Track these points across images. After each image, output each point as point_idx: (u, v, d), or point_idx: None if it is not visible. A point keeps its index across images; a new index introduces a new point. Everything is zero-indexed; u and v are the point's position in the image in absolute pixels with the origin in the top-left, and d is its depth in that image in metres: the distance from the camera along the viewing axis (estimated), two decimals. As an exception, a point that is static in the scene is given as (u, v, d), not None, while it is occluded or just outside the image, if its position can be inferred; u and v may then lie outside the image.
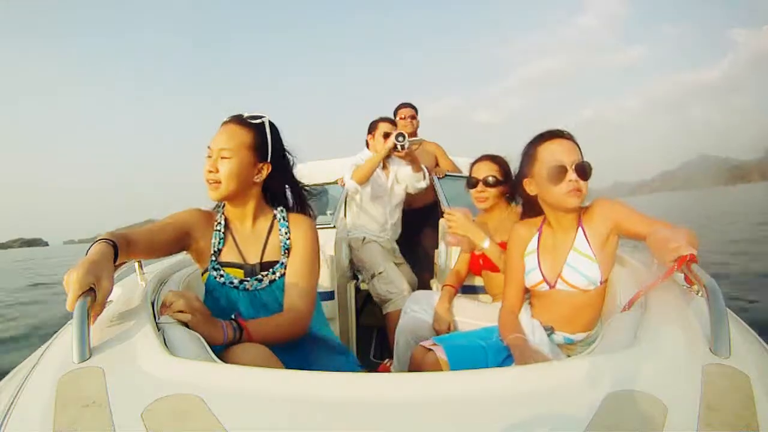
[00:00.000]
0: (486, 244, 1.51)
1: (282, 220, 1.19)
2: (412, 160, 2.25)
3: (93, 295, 0.78)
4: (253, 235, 1.17)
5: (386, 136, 2.28)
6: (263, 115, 1.14)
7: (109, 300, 0.85)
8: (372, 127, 2.39)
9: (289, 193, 1.25)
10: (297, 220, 1.20)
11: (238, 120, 1.12)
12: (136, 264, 1.19)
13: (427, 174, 2.37)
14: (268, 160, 1.13)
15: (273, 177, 1.16)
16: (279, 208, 1.21)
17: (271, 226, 1.18)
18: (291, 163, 1.22)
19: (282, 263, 1.15)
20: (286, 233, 1.17)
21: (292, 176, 1.23)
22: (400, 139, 2.15)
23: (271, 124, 1.15)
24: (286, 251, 1.16)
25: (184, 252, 1.15)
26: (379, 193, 2.35)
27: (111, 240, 0.89)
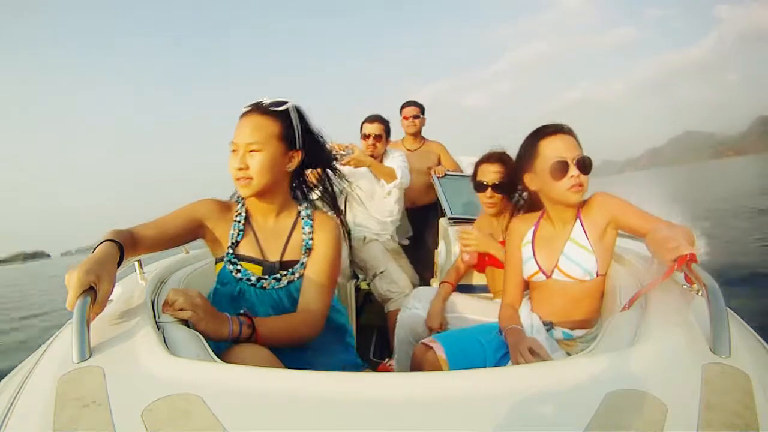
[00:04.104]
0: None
1: (306, 218, 1.13)
2: (356, 165, 2.17)
3: (93, 294, 0.78)
4: (275, 231, 1.11)
5: (365, 137, 2.29)
6: (286, 100, 1.06)
7: (109, 299, 0.85)
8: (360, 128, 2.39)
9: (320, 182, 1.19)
10: (322, 220, 1.14)
11: (261, 110, 1.04)
12: (136, 263, 1.19)
13: (399, 177, 2.27)
14: (298, 147, 1.07)
15: (305, 163, 1.12)
16: (304, 205, 1.16)
17: (295, 224, 1.12)
18: (323, 143, 1.15)
19: (302, 263, 1.09)
20: (309, 232, 1.11)
21: (327, 158, 1.17)
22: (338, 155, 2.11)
23: (297, 109, 1.08)
24: (307, 251, 1.10)
25: (185, 252, 1.14)
26: (374, 189, 2.34)
27: (117, 240, 0.88)
